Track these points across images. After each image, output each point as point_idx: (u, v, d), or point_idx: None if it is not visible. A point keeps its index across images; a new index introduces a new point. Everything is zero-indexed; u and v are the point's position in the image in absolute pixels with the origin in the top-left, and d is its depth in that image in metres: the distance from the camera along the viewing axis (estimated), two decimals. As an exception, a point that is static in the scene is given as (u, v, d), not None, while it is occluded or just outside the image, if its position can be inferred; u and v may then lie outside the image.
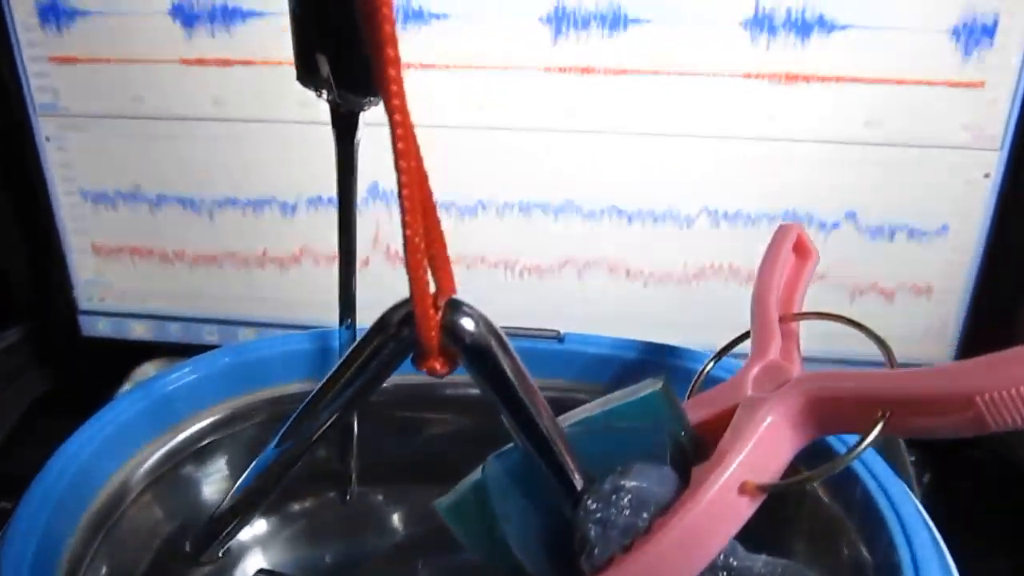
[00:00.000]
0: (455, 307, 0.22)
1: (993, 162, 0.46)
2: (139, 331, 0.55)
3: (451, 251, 0.21)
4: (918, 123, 0.46)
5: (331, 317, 0.32)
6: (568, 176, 0.48)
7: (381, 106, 0.18)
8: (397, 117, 0.18)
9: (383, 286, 0.50)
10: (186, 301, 0.54)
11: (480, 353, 0.22)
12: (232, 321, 0.54)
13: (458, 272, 0.22)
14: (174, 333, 0.55)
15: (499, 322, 0.22)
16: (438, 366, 0.22)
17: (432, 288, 0.21)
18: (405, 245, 0.19)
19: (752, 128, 0.46)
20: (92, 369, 0.53)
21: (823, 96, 0.45)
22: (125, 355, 0.54)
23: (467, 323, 0.22)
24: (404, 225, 0.19)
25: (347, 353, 0.24)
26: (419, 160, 0.19)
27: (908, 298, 0.49)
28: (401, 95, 0.17)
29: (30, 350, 0.56)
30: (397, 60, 0.17)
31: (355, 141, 0.27)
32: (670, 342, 0.36)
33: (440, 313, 0.21)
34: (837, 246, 0.48)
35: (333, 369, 0.24)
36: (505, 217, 0.49)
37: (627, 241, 0.49)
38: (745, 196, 0.48)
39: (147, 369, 0.53)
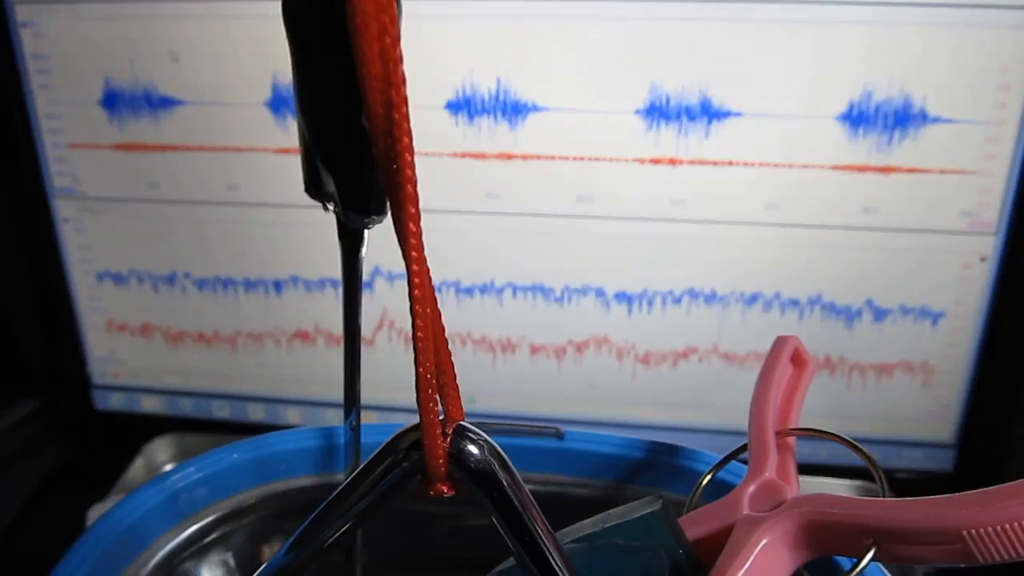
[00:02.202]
0: (461, 433, 0.22)
1: (990, 246, 0.47)
2: (151, 405, 0.56)
3: (453, 331, 0.22)
4: (915, 209, 0.47)
5: (338, 394, 0.33)
6: (567, 260, 0.50)
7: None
8: (415, 267, 0.19)
9: (390, 363, 0.52)
10: (197, 377, 0.55)
11: (485, 478, 0.23)
12: (242, 396, 0.55)
13: (459, 352, 0.22)
14: (185, 408, 0.56)
15: (499, 405, 0.23)
16: (445, 490, 0.23)
17: (441, 415, 0.22)
18: (418, 381, 0.20)
19: (751, 214, 0.48)
20: (105, 442, 0.55)
21: (822, 183, 0.47)
22: (137, 429, 0.55)
23: (473, 449, 0.22)
24: (417, 363, 0.20)
25: (354, 474, 0.24)
26: (434, 304, 0.20)
27: (909, 381, 0.50)
28: (419, 247, 0.19)
29: (44, 423, 0.57)
30: (417, 216, 0.18)
31: (360, 255, 0.28)
32: (668, 420, 0.36)
33: (448, 440, 0.22)
34: (837, 329, 0.49)
35: (340, 487, 0.25)
36: (506, 299, 0.51)
37: (626, 323, 0.51)
38: (747, 280, 0.49)
39: (158, 443, 0.54)
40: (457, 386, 0.22)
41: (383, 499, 0.24)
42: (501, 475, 0.23)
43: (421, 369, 0.20)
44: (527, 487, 0.24)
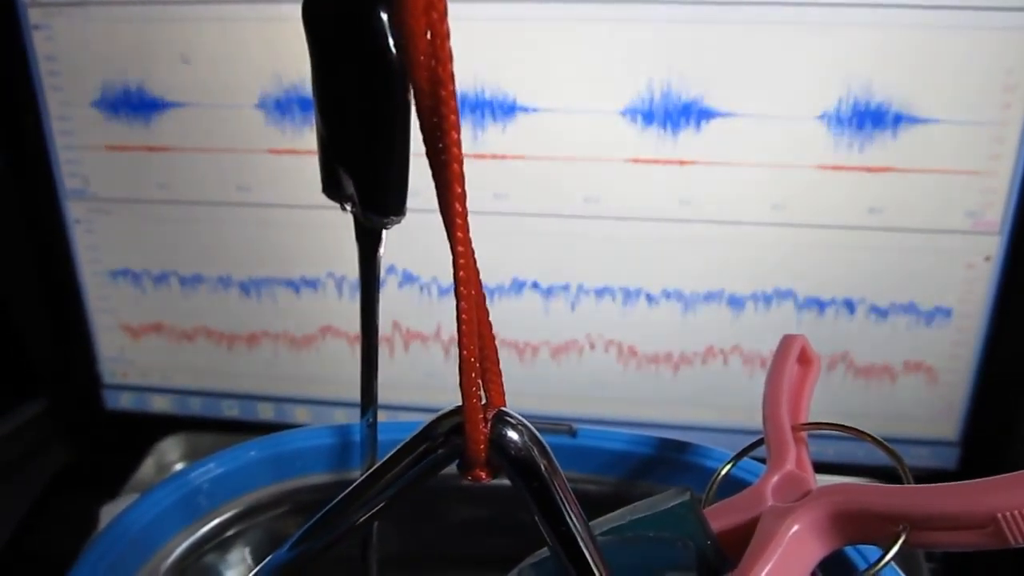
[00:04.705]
0: (502, 419, 0.22)
1: (994, 246, 0.47)
2: (161, 405, 0.56)
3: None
4: (920, 210, 0.47)
5: (349, 393, 0.32)
6: (577, 259, 0.50)
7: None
8: (460, 248, 0.19)
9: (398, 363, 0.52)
10: (207, 377, 0.55)
11: (525, 465, 0.23)
12: (251, 396, 0.55)
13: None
14: (195, 407, 0.56)
15: (509, 404, 0.23)
16: (483, 475, 0.23)
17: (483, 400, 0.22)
18: (461, 364, 0.20)
19: (758, 214, 0.48)
20: (115, 441, 0.55)
21: (827, 183, 0.47)
22: (147, 428, 0.55)
23: (514, 436, 0.22)
24: (461, 346, 0.20)
25: (387, 457, 0.24)
26: (479, 287, 0.20)
27: (914, 379, 0.50)
28: (465, 228, 0.19)
29: (54, 423, 0.57)
30: (464, 196, 0.18)
31: (378, 255, 0.27)
32: (674, 419, 0.36)
33: (488, 425, 0.22)
34: (843, 329, 0.50)
35: (370, 471, 0.24)
36: (514, 297, 0.51)
37: (636, 322, 0.51)
38: (752, 280, 0.50)
39: (168, 442, 0.54)
40: (500, 371, 0.22)
41: (416, 483, 0.24)
42: (540, 462, 0.23)
43: (465, 352, 0.20)
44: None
